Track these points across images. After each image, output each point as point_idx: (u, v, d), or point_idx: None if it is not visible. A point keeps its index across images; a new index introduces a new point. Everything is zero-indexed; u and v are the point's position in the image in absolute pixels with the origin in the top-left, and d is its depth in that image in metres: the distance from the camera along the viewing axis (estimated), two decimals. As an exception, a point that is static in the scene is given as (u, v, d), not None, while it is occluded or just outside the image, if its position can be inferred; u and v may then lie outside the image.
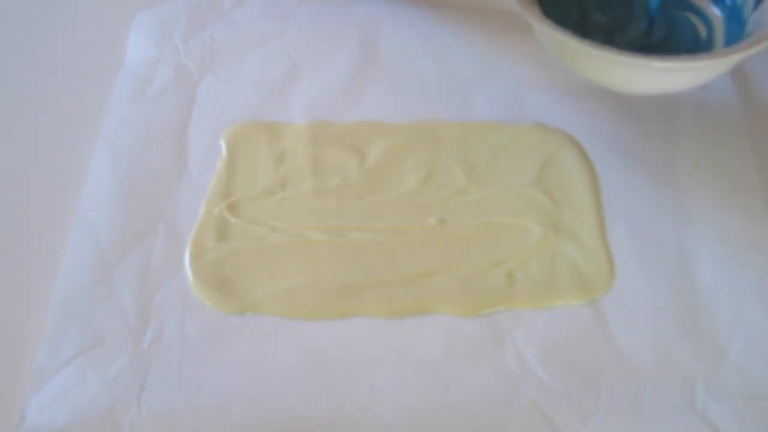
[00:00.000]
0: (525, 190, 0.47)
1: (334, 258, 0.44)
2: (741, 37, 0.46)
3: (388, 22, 0.55)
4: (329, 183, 0.47)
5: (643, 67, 0.43)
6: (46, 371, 0.40)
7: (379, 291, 0.43)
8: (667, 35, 0.50)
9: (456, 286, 0.43)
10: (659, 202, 0.46)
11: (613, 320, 0.42)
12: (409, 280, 0.43)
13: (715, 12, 0.50)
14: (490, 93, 0.51)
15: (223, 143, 0.49)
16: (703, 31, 0.50)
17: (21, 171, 0.49)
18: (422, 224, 0.45)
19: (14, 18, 0.56)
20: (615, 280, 0.43)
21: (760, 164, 0.47)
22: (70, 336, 0.41)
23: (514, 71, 0.52)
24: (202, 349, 0.41)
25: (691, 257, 0.44)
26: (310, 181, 0.47)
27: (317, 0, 0.56)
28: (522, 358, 0.41)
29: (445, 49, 0.54)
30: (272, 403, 0.39)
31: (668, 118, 0.50)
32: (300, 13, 0.56)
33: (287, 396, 0.40)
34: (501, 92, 0.51)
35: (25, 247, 0.45)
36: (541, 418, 0.39)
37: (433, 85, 0.52)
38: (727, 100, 0.51)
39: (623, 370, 0.40)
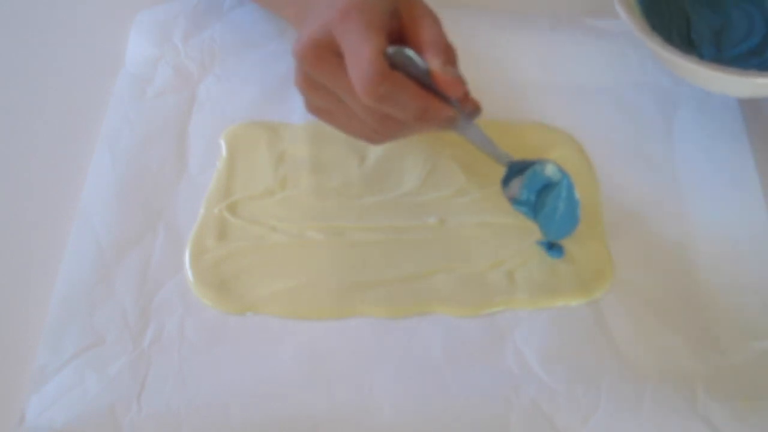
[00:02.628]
0: (525, 190, 0.47)
1: (334, 258, 0.44)
2: None
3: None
4: (329, 183, 0.47)
5: (748, 83, 0.45)
6: (46, 371, 0.40)
7: (379, 291, 0.43)
8: (766, 31, 0.50)
9: (456, 286, 0.43)
10: (659, 201, 0.46)
11: (613, 320, 0.42)
12: (409, 280, 0.43)
13: None
14: (490, 93, 0.51)
15: (223, 143, 0.49)
16: None
17: (21, 171, 0.49)
18: (422, 224, 0.45)
19: (14, 18, 0.56)
20: (615, 279, 0.43)
21: (760, 164, 0.47)
22: (70, 336, 0.41)
23: (514, 71, 0.52)
24: (202, 349, 0.41)
25: (691, 257, 0.44)
26: (310, 181, 0.47)
27: None
28: (522, 358, 0.41)
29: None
30: (272, 402, 0.39)
31: (668, 118, 0.50)
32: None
33: (287, 396, 0.40)
34: (501, 92, 0.51)
35: (25, 247, 0.45)
36: (541, 418, 0.39)
37: (433, 85, 0.52)
38: (727, 100, 0.51)
39: (623, 370, 0.40)
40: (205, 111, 0.51)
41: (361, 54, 0.37)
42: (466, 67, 0.52)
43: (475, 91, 0.51)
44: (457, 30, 0.54)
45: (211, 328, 0.42)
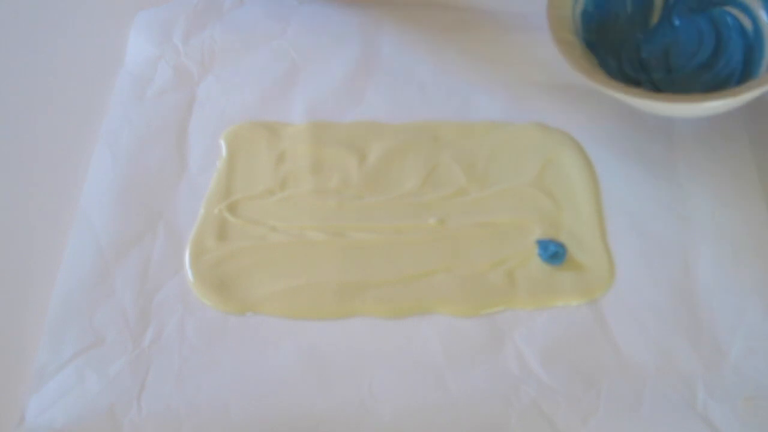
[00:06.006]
0: (525, 190, 0.47)
1: (334, 258, 0.44)
2: None
3: (388, 22, 0.55)
4: (329, 183, 0.47)
5: (699, 108, 0.44)
6: (46, 371, 0.40)
7: (379, 291, 0.43)
8: (716, 42, 0.49)
9: (456, 286, 0.43)
10: (659, 201, 0.46)
11: (613, 320, 0.42)
12: (409, 280, 0.43)
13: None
14: (490, 93, 0.51)
15: (223, 143, 0.49)
16: (748, 24, 0.49)
17: (21, 171, 0.49)
18: (422, 224, 0.45)
19: (14, 18, 0.56)
20: (615, 280, 0.43)
21: (760, 164, 0.47)
22: (70, 336, 0.41)
23: (514, 71, 0.52)
24: (201, 349, 0.41)
25: (691, 257, 0.44)
26: (310, 181, 0.47)
27: (317, 0, 0.56)
28: (522, 358, 0.41)
29: (445, 49, 0.54)
30: (272, 402, 0.39)
31: (668, 118, 0.50)
32: (300, 13, 0.56)
33: (287, 396, 0.40)
34: (501, 92, 0.51)
35: (25, 247, 0.45)
36: (541, 418, 0.39)
37: (433, 85, 0.52)
38: (727, 100, 0.51)
39: (623, 370, 0.40)
40: (205, 111, 0.51)
41: None
42: (465, 66, 0.53)
43: (475, 91, 0.51)
44: (457, 30, 0.55)
45: (211, 328, 0.42)
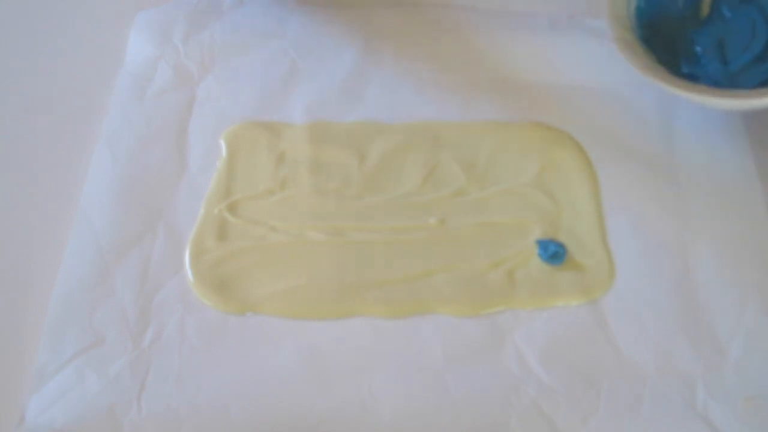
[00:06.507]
0: (525, 190, 0.47)
1: (334, 258, 0.44)
2: None
3: (388, 22, 0.55)
4: (329, 183, 0.47)
5: (750, 104, 0.44)
6: (46, 371, 0.40)
7: (379, 291, 0.43)
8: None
9: (456, 286, 0.43)
10: (659, 201, 0.46)
11: (613, 320, 0.42)
12: (409, 280, 0.43)
13: None
14: (490, 93, 0.51)
15: (223, 143, 0.49)
16: None
17: (21, 171, 0.49)
18: (422, 224, 0.45)
19: (15, 18, 0.56)
20: (615, 280, 0.43)
21: (760, 164, 0.47)
22: (70, 336, 0.41)
23: (515, 71, 0.52)
24: (201, 349, 0.41)
25: (691, 257, 0.44)
26: (310, 181, 0.47)
27: (317, 0, 0.56)
28: (522, 358, 0.41)
29: (445, 49, 0.54)
30: (272, 402, 0.39)
31: (668, 118, 0.50)
32: (300, 13, 0.56)
33: (287, 396, 0.40)
34: (501, 92, 0.51)
35: (25, 247, 0.45)
36: (541, 418, 0.39)
37: (433, 85, 0.52)
38: (727, 100, 0.51)
39: (623, 370, 0.40)
40: (205, 111, 0.51)
41: None
42: (466, 66, 0.53)
43: (475, 91, 0.51)
44: (457, 30, 0.55)
45: (211, 328, 0.42)
